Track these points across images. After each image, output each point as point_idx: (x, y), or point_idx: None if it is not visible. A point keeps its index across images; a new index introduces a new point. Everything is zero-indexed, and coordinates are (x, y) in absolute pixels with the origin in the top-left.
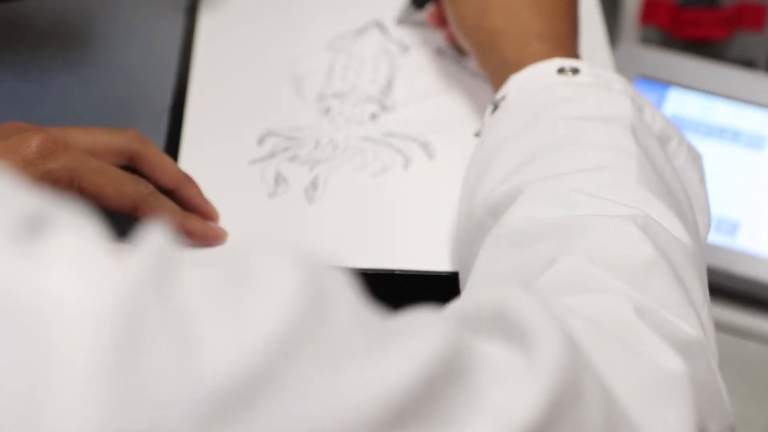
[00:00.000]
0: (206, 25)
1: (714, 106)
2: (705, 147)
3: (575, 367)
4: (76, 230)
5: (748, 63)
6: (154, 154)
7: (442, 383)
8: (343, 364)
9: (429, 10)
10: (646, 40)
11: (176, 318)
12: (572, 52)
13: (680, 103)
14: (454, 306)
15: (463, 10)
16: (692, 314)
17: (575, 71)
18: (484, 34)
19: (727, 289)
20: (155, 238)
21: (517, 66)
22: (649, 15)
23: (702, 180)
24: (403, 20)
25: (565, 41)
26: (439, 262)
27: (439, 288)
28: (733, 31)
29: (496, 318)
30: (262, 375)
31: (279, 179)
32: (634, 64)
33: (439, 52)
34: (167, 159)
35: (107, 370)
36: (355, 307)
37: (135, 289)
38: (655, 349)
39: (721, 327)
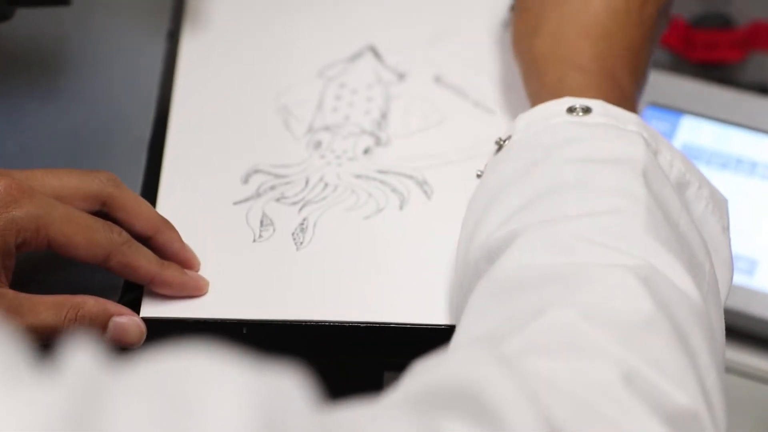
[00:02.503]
0: (188, 52)
1: (729, 135)
2: (720, 179)
3: None
4: None
5: (763, 87)
6: (128, 198)
7: None
8: None
9: None
10: (656, 64)
11: None
12: (617, 87)
13: (693, 132)
14: (420, 379)
15: (518, 27)
16: (691, 379)
17: (586, 110)
18: (529, 56)
19: (744, 330)
20: (80, 362)
21: (553, 95)
22: None
23: (725, 229)
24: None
25: (610, 75)
26: (437, 315)
27: (437, 343)
28: (747, 52)
29: (466, 397)
30: None
31: (265, 221)
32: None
33: (437, 80)
34: (143, 203)
35: None
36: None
37: None
38: (640, 424)
39: (737, 370)
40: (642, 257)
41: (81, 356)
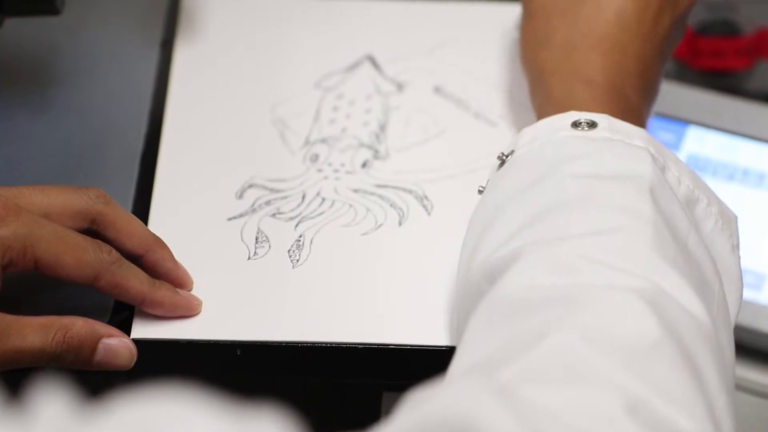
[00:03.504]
0: (182, 62)
1: (736, 145)
2: (727, 191)
3: None
4: None
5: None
6: (118, 215)
7: None
8: None
9: None
10: None
11: None
12: (625, 101)
13: (699, 143)
14: (416, 411)
15: (526, 37)
16: (698, 403)
17: (592, 125)
18: (536, 69)
19: (751, 346)
20: (51, 411)
21: (559, 109)
22: None
23: (735, 247)
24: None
25: (618, 88)
26: (438, 336)
27: (437, 364)
28: (753, 60)
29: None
30: None
31: (260, 238)
32: None
33: (438, 90)
34: (134, 220)
35: None
36: None
37: None
38: None
39: (746, 388)
40: (648, 278)
41: (52, 404)
